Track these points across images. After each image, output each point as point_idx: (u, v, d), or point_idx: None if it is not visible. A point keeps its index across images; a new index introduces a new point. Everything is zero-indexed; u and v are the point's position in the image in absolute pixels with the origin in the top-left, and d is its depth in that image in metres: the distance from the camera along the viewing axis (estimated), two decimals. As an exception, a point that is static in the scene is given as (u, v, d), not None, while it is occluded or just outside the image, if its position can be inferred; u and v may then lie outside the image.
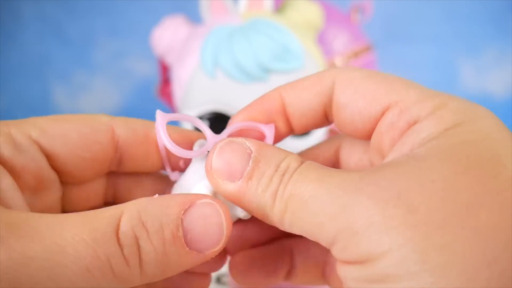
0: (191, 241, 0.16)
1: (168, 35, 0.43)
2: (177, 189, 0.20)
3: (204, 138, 0.21)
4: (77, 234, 0.14)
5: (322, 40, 0.46)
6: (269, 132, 0.20)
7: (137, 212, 0.15)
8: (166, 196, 0.16)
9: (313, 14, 0.42)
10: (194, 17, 0.45)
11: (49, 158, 0.19)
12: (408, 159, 0.15)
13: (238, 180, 0.17)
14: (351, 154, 0.21)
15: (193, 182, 0.19)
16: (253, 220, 0.21)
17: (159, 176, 0.23)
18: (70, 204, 0.21)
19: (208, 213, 0.16)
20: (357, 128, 0.18)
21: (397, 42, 0.70)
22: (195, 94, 0.40)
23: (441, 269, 0.12)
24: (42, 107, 0.71)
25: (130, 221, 0.15)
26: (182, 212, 0.16)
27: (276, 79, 0.39)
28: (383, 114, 0.17)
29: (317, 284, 0.23)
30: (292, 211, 0.16)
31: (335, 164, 0.22)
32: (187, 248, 0.16)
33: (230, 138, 0.18)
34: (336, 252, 0.15)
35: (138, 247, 0.15)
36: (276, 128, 0.20)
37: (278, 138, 0.20)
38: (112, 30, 0.70)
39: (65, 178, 0.20)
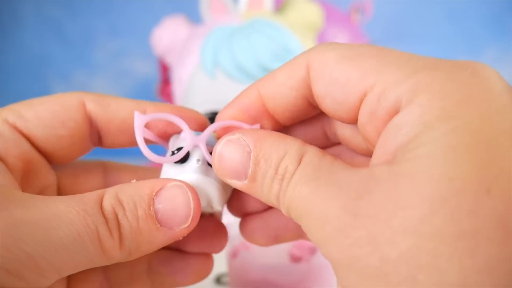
0: (162, 218, 0.17)
1: (168, 35, 0.43)
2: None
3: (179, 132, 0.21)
4: (70, 205, 0.16)
5: (322, 40, 0.46)
6: None
7: (115, 192, 0.17)
8: (141, 181, 0.18)
9: (313, 14, 0.42)
10: (194, 17, 0.45)
11: (30, 140, 0.19)
12: (386, 180, 0.14)
13: (244, 180, 0.17)
14: (344, 130, 0.20)
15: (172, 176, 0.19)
16: None
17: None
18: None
19: (176, 194, 0.18)
20: (342, 117, 0.17)
21: (397, 42, 0.70)
22: (195, 94, 0.40)
23: None
24: (42, 107, 0.71)
25: (110, 199, 0.17)
26: (154, 193, 0.17)
27: (276, 79, 0.39)
28: (361, 102, 0.16)
29: None
30: (294, 217, 0.16)
31: (325, 135, 0.21)
32: (158, 225, 0.17)
33: (227, 137, 0.17)
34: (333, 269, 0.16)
35: (118, 221, 0.17)
36: (262, 126, 0.19)
37: None
38: (112, 30, 0.70)
39: (53, 159, 0.20)
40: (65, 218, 0.16)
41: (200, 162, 0.19)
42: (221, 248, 0.22)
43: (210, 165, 0.19)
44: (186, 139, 0.19)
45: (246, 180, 0.17)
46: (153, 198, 0.17)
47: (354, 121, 0.17)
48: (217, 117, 0.20)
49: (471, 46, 0.71)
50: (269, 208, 0.22)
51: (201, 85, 0.40)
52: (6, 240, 0.14)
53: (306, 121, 0.21)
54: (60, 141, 0.20)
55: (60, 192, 0.21)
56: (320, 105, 0.18)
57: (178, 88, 0.42)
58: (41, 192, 0.20)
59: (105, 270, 0.21)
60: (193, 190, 0.18)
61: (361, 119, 0.16)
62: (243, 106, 0.19)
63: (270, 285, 0.34)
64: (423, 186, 0.13)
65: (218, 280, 0.38)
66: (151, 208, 0.17)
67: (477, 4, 0.69)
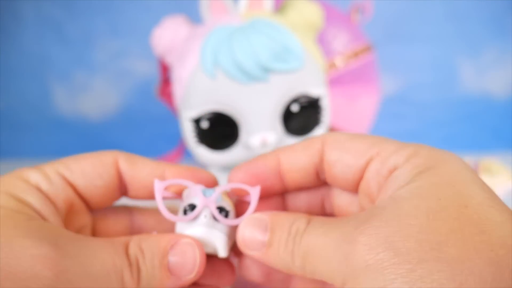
0: (172, 268, 0.22)
1: (168, 35, 0.43)
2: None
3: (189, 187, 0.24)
4: (104, 247, 0.21)
5: (322, 40, 0.46)
6: (253, 194, 0.23)
7: (139, 241, 0.21)
8: (161, 234, 0.22)
9: (313, 14, 0.42)
10: (194, 17, 0.45)
11: (73, 188, 0.24)
12: (390, 205, 0.19)
13: (263, 248, 0.21)
14: (341, 199, 0.25)
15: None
16: None
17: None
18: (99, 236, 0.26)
19: (186, 250, 0.22)
20: (347, 180, 0.23)
21: (397, 42, 0.70)
22: (195, 94, 0.40)
23: None
24: (42, 107, 0.71)
25: (134, 247, 0.21)
26: (169, 246, 0.22)
27: (276, 79, 0.39)
28: (367, 165, 0.21)
29: None
30: (309, 264, 0.20)
31: (322, 206, 0.26)
32: (169, 274, 0.21)
33: (252, 216, 0.22)
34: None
35: (138, 266, 0.21)
36: (269, 185, 0.24)
37: (270, 194, 0.25)
38: (112, 30, 0.70)
39: (90, 204, 0.25)
40: (99, 257, 0.20)
41: (207, 217, 0.23)
42: (230, 283, 0.26)
43: (215, 219, 0.23)
44: (197, 198, 0.23)
45: (264, 248, 0.21)
46: (168, 251, 0.22)
47: (354, 186, 0.23)
48: (230, 177, 0.24)
49: (471, 46, 0.71)
50: None
51: (201, 85, 0.40)
52: (57, 268, 0.19)
53: (308, 190, 0.26)
54: (96, 190, 0.24)
55: (93, 231, 0.26)
56: (328, 171, 0.23)
57: (178, 88, 0.42)
58: (79, 230, 0.25)
59: None
60: (200, 246, 0.22)
61: (367, 177, 0.22)
62: (258, 167, 0.24)
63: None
64: (420, 204, 0.18)
65: (218, 280, 0.38)
66: (165, 259, 0.21)
67: (477, 4, 0.69)
